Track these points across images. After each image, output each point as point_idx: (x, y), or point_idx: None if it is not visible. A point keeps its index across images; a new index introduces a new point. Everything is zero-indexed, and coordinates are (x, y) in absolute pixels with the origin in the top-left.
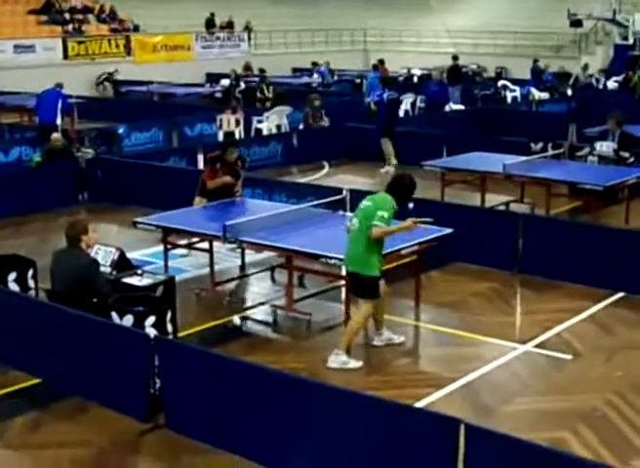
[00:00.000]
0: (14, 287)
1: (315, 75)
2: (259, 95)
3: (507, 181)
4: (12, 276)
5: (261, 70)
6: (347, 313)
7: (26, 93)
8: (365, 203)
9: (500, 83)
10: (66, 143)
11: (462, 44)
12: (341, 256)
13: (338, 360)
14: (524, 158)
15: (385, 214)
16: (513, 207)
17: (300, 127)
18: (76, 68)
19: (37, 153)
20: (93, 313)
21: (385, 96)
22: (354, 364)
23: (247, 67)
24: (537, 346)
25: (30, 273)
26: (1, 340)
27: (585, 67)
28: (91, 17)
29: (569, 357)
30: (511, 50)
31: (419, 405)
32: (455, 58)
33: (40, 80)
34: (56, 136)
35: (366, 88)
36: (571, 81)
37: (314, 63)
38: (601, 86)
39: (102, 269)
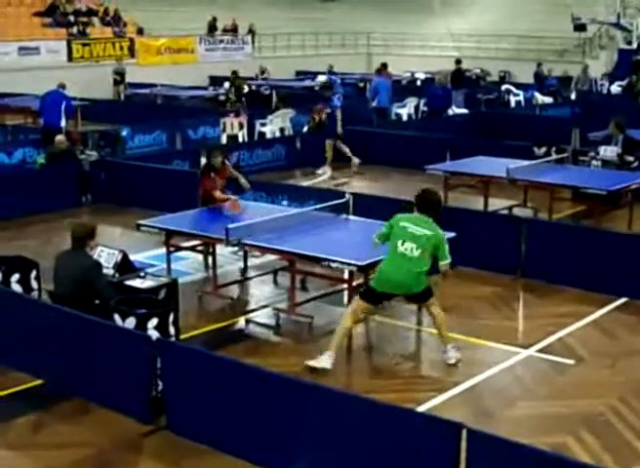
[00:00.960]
0: (17, 288)
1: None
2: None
3: (511, 186)
4: (15, 277)
5: (234, 72)
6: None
7: (31, 94)
8: (423, 231)
9: (504, 87)
10: (70, 145)
11: (466, 48)
12: (344, 260)
13: (452, 356)
14: (527, 162)
15: (448, 249)
16: (516, 211)
17: (304, 130)
18: (80, 70)
19: (41, 155)
20: (95, 315)
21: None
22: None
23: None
24: (539, 351)
25: (33, 274)
26: (3, 341)
27: (585, 69)
28: (95, 19)
29: (571, 362)
30: (515, 54)
31: (420, 409)
32: (458, 61)
33: (44, 82)
34: (60, 138)
35: (371, 92)
36: (572, 85)
37: (330, 71)
38: (605, 90)
39: (105, 271)
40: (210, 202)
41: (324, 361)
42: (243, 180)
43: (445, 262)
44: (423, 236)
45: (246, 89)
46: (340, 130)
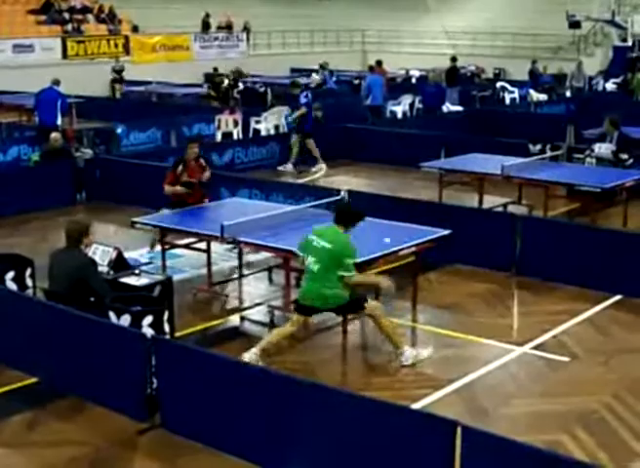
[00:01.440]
0: (11, 285)
1: (317, 75)
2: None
3: (505, 183)
4: (10, 275)
5: (214, 69)
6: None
7: (25, 92)
8: (322, 243)
9: (499, 84)
10: (65, 143)
11: (461, 45)
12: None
13: (408, 356)
14: (522, 159)
15: (351, 261)
16: (511, 208)
17: None
18: (75, 68)
19: (36, 153)
20: (90, 312)
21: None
22: (427, 352)
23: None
24: (534, 348)
25: (28, 272)
26: None
27: (579, 66)
28: (90, 16)
29: (566, 359)
30: (510, 51)
31: (415, 406)
32: (453, 59)
33: (39, 80)
34: (55, 135)
35: (364, 89)
36: (567, 82)
37: (322, 67)
38: (600, 87)
39: (100, 269)
40: (175, 197)
41: (248, 357)
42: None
43: (345, 274)
44: (325, 250)
45: (225, 82)
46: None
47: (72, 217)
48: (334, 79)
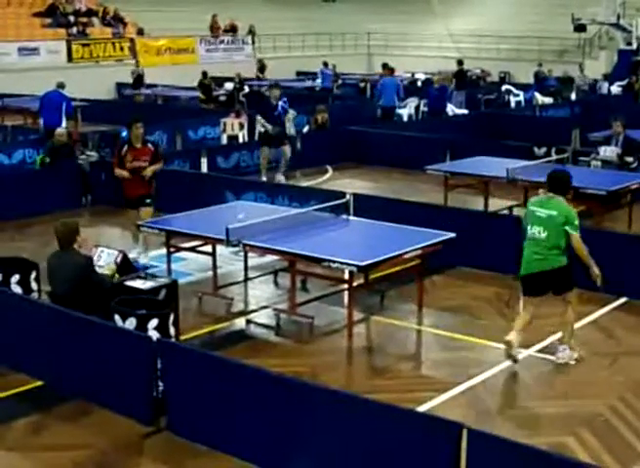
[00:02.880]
0: (17, 289)
1: (318, 79)
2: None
3: (511, 186)
4: (15, 278)
5: (203, 73)
6: (351, 316)
7: (31, 95)
8: (547, 212)
9: (504, 87)
10: (69, 142)
11: (466, 48)
12: (344, 260)
13: (565, 354)
14: (527, 163)
15: (577, 222)
16: (517, 211)
17: (305, 130)
18: (80, 71)
19: (41, 155)
20: (95, 315)
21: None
22: (577, 355)
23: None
24: (539, 351)
25: (33, 275)
26: (4, 343)
27: (581, 69)
28: (95, 20)
29: (572, 362)
30: (515, 54)
31: (421, 409)
32: (460, 62)
33: (44, 83)
34: (60, 130)
35: (377, 91)
36: (575, 85)
37: (325, 63)
38: (605, 90)
39: (104, 271)
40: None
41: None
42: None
43: (573, 232)
44: (551, 218)
45: (230, 86)
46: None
47: (81, 220)
48: (332, 79)
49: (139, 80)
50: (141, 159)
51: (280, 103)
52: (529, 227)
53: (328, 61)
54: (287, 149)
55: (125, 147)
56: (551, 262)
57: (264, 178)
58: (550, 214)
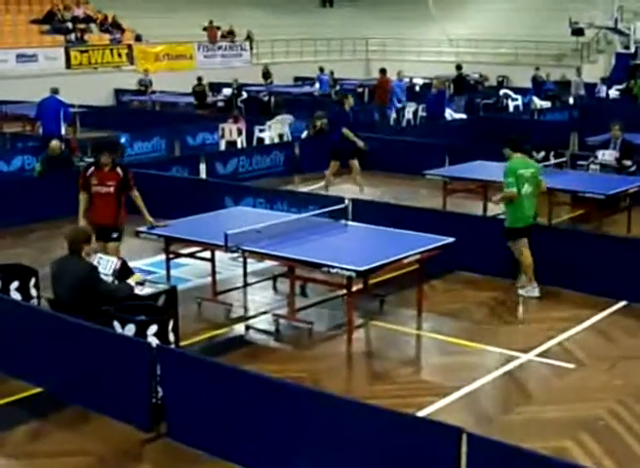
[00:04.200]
0: (16, 296)
1: (317, 85)
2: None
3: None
4: (14, 285)
5: (198, 78)
6: (350, 321)
7: (29, 102)
8: (530, 170)
9: (502, 92)
10: (66, 151)
11: (464, 53)
12: (343, 266)
13: (528, 291)
14: None
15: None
16: None
17: (303, 136)
18: (79, 77)
19: (39, 162)
20: (95, 322)
21: None
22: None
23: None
24: (539, 355)
25: (32, 282)
26: (3, 349)
27: (579, 73)
28: (93, 26)
29: (571, 366)
30: (513, 58)
31: (420, 414)
32: (459, 67)
33: (42, 89)
34: (54, 143)
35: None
36: (572, 90)
37: (321, 69)
38: (603, 94)
39: (104, 278)
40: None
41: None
42: (146, 215)
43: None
44: (532, 175)
45: (230, 92)
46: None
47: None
48: (330, 83)
49: (145, 90)
50: (106, 184)
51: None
52: (522, 188)
53: (324, 67)
54: (356, 162)
55: (91, 168)
56: (536, 209)
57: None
58: (532, 171)
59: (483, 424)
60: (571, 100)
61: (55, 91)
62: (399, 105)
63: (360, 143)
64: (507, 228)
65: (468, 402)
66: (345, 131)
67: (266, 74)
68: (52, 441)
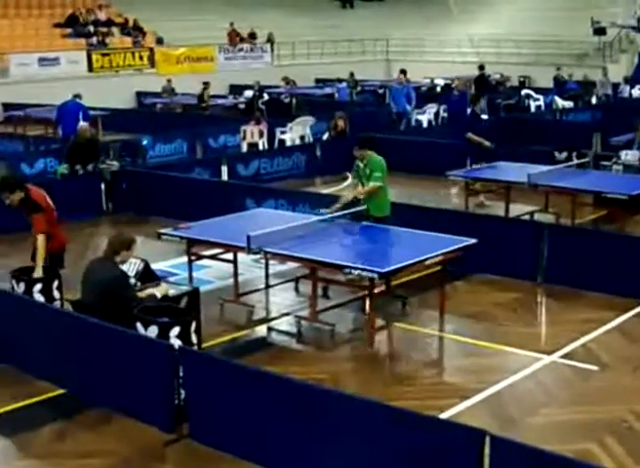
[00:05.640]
0: (39, 297)
1: (335, 94)
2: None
3: (532, 191)
4: (37, 287)
5: (204, 83)
6: (372, 323)
7: (51, 105)
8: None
9: (524, 92)
10: (95, 137)
11: (485, 53)
12: (366, 267)
13: None
14: (548, 167)
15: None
16: (538, 216)
17: (324, 138)
18: (101, 81)
19: (62, 165)
20: (118, 324)
21: None
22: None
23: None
24: (562, 357)
25: (55, 284)
26: (27, 351)
27: (605, 73)
28: (115, 29)
29: (595, 368)
30: (534, 58)
31: (443, 416)
32: (481, 67)
33: (65, 92)
34: (84, 125)
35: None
36: (597, 90)
37: (339, 80)
38: (626, 94)
39: (155, 292)
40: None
41: None
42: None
43: None
44: None
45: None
46: None
47: (102, 229)
48: (347, 91)
49: (168, 95)
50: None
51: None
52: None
53: (341, 78)
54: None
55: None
56: None
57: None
58: None
59: (506, 426)
60: (594, 100)
61: (77, 96)
62: (394, 110)
63: (486, 143)
64: (385, 216)
65: (491, 404)
66: (470, 135)
67: (286, 79)
68: (76, 441)
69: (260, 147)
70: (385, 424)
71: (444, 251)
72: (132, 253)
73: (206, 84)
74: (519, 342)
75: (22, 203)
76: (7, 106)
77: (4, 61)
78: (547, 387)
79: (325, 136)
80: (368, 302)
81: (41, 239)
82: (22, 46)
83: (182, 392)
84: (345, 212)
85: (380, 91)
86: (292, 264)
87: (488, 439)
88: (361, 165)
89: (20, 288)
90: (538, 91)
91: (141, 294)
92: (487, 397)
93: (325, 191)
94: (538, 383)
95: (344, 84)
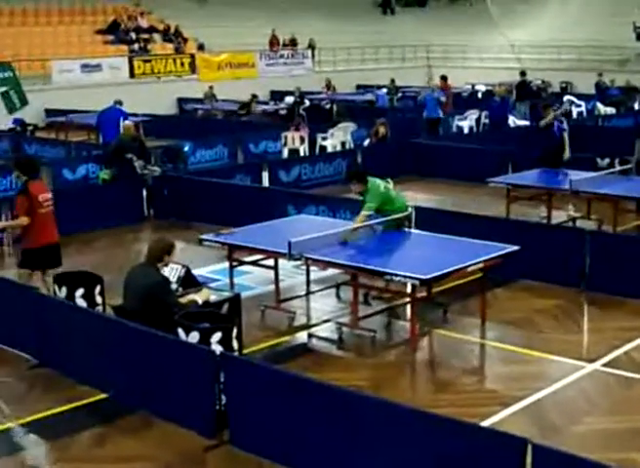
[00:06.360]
0: (81, 302)
1: (370, 95)
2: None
3: (574, 198)
4: (79, 292)
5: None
6: (413, 330)
7: (93, 111)
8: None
9: (566, 98)
10: (140, 136)
11: (526, 59)
12: (407, 274)
13: None
14: (591, 174)
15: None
16: (580, 223)
17: (365, 143)
18: (142, 87)
19: (104, 171)
20: (160, 329)
21: None
22: None
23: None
24: (605, 365)
25: (98, 289)
26: (69, 356)
27: None
28: (156, 36)
29: (638, 376)
30: (576, 64)
31: (484, 423)
32: (523, 73)
33: (107, 99)
34: (128, 123)
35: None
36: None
37: (378, 86)
38: None
39: (196, 298)
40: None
41: None
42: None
43: None
44: None
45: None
46: None
47: (143, 235)
48: (386, 97)
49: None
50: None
51: (556, 123)
52: None
53: (381, 84)
54: None
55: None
56: None
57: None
58: None
59: (548, 434)
60: (636, 106)
61: (118, 102)
62: (425, 116)
63: (567, 155)
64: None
65: (533, 412)
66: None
67: (328, 84)
68: (116, 446)
69: (301, 153)
70: (426, 431)
71: (486, 257)
72: (172, 257)
73: (255, 96)
74: (561, 350)
75: (21, 185)
76: (49, 112)
77: (47, 68)
78: (589, 395)
79: (366, 143)
80: (409, 309)
81: (22, 219)
82: (65, 52)
83: (223, 398)
84: (389, 218)
85: (420, 97)
86: (333, 270)
87: (530, 447)
88: (361, 198)
89: (63, 292)
90: (579, 97)
91: (183, 300)
92: (528, 405)
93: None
94: (579, 391)
95: (384, 90)
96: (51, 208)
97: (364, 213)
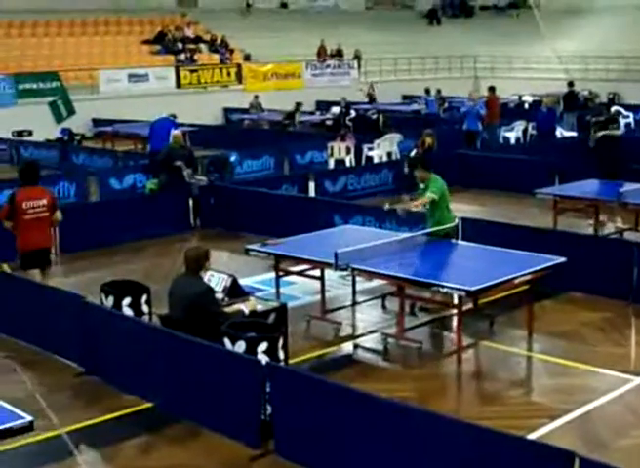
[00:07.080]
0: (128, 312)
1: (419, 104)
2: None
3: (622, 209)
4: (126, 301)
5: (297, 104)
6: (459, 341)
7: (140, 121)
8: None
9: (613, 109)
10: (189, 146)
11: (573, 69)
12: (454, 285)
13: None
14: (639, 185)
15: None
16: (628, 235)
17: (412, 154)
18: (189, 97)
19: (151, 180)
20: (206, 339)
21: None
22: None
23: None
24: None
25: (144, 299)
26: (115, 365)
27: None
28: (203, 46)
29: None
30: (623, 75)
31: (532, 436)
32: (570, 83)
33: (153, 108)
34: (177, 132)
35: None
36: None
37: (427, 90)
38: None
39: (244, 308)
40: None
41: None
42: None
43: None
44: None
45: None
46: None
47: (190, 244)
48: (438, 103)
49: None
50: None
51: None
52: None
53: (430, 88)
54: None
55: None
56: None
57: None
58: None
59: (596, 448)
60: None
61: (172, 116)
62: (465, 128)
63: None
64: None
65: (580, 425)
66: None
67: (370, 96)
68: (161, 455)
69: (348, 164)
70: (472, 444)
71: (533, 269)
72: (210, 262)
73: (299, 104)
74: (608, 363)
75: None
76: (97, 122)
77: (94, 78)
78: (636, 408)
79: (412, 153)
80: (455, 320)
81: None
82: (113, 62)
83: (269, 408)
84: (435, 229)
85: (463, 109)
86: (379, 281)
87: (577, 461)
88: (422, 186)
89: (110, 301)
90: (627, 108)
91: (229, 310)
92: (575, 418)
93: (413, 209)
94: (627, 405)
95: (433, 96)
96: (41, 214)
97: (427, 195)
